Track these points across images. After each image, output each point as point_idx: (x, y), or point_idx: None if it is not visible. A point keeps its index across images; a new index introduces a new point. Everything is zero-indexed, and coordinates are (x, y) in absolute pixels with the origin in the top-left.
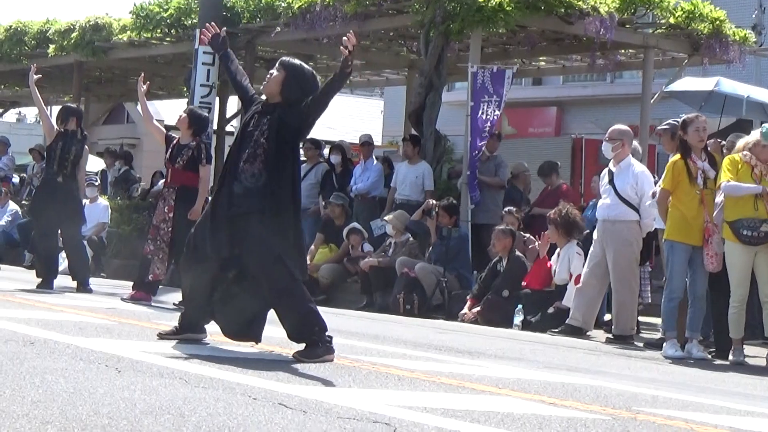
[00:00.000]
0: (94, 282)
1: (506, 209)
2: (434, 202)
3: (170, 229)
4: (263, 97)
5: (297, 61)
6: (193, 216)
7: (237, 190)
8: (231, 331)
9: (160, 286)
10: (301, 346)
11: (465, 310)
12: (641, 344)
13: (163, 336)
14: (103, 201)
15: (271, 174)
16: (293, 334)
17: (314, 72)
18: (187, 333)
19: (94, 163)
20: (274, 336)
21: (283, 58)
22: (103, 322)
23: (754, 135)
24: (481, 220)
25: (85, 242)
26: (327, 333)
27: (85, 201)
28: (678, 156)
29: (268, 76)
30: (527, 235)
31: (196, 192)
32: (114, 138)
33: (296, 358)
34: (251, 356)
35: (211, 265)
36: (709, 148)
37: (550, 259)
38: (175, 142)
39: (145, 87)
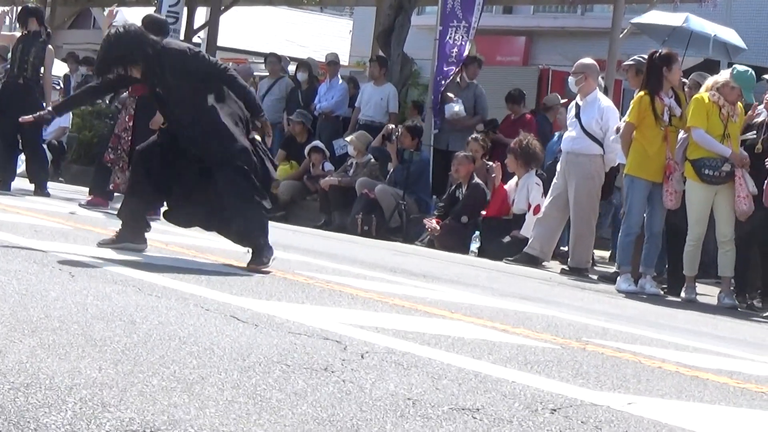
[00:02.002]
0: (52, 186)
1: (472, 136)
2: (393, 126)
3: (130, 138)
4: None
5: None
6: (153, 125)
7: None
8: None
9: (116, 194)
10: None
11: (432, 223)
12: (595, 277)
13: (102, 244)
14: None
15: (204, 118)
16: (239, 238)
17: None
18: (127, 242)
19: (58, 68)
20: (229, 249)
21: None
22: (59, 227)
23: (724, 75)
24: (454, 147)
25: (45, 146)
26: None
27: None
28: (645, 91)
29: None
30: (490, 162)
31: None
32: (80, 42)
33: (251, 268)
34: (206, 268)
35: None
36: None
37: (505, 185)
38: None
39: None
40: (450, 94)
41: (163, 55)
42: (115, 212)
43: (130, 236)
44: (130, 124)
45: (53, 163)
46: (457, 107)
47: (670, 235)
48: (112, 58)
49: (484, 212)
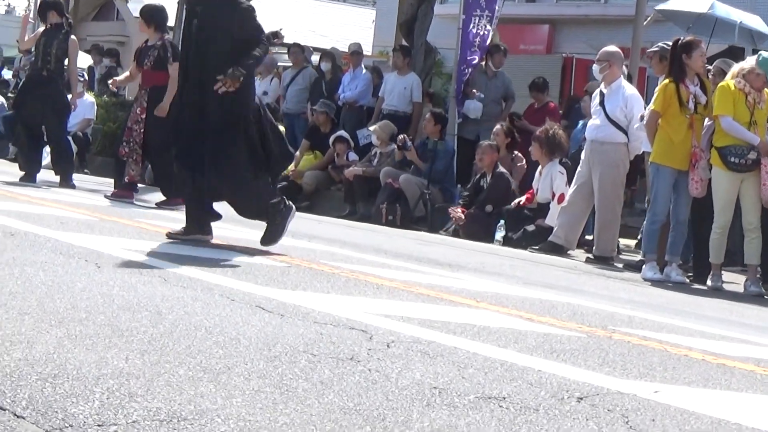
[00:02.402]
0: (77, 178)
1: (498, 125)
2: (403, 136)
3: (142, 130)
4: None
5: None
6: (159, 113)
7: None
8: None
9: (140, 186)
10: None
11: (458, 212)
12: (621, 265)
13: (171, 236)
14: (89, 97)
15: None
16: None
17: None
18: (195, 234)
19: (82, 60)
20: (255, 239)
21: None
22: (85, 218)
23: (749, 62)
24: (485, 137)
25: (70, 138)
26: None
27: (70, 96)
28: (670, 79)
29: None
30: (516, 152)
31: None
32: (103, 34)
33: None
34: (232, 259)
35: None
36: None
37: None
38: (142, 44)
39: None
40: (474, 91)
41: None
42: (141, 203)
43: (196, 229)
44: (143, 116)
45: (78, 154)
46: (472, 106)
47: (695, 223)
48: None
49: (521, 200)
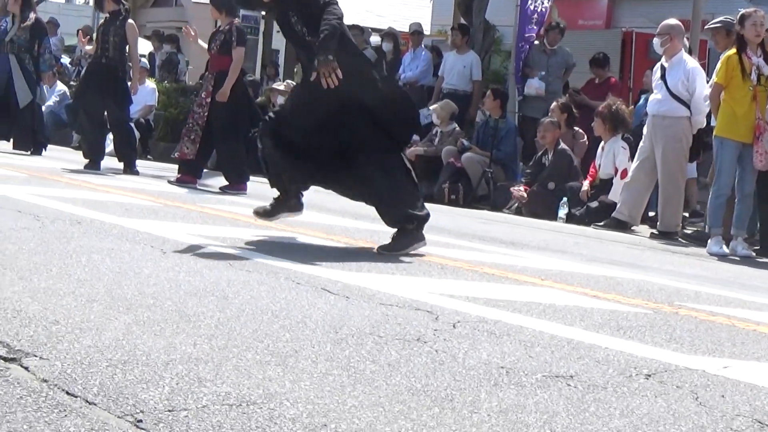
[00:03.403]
0: (140, 164)
1: (555, 101)
2: (460, 141)
3: (206, 113)
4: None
5: None
6: (220, 98)
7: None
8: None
9: (205, 170)
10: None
11: (521, 190)
12: (686, 241)
13: (259, 215)
14: (150, 84)
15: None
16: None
17: None
18: (282, 213)
19: (143, 46)
20: (318, 222)
21: None
22: (149, 204)
23: None
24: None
25: (132, 124)
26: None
27: (130, 83)
28: (733, 50)
29: None
30: (577, 128)
31: None
32: (163, 21)
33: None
34: (295, 242)
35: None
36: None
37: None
38: (215, 29)
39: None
40: (537, 71)
41: None
42: (205, 188)
43: (284, 207)
44: (207, 100)
45: (141, 141)
46: (536, 84)
47: (761, 197)
48: None
49: (587, 188)
